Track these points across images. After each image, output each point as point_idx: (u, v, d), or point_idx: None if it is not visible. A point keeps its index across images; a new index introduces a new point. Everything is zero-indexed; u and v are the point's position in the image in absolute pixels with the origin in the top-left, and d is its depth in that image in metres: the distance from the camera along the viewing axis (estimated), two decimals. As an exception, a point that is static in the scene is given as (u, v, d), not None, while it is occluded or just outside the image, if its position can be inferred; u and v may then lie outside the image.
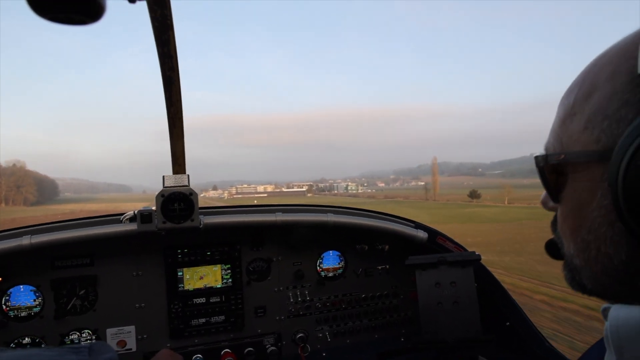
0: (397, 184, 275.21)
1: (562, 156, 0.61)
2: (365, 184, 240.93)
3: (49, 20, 0.55)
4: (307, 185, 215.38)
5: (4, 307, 1.77)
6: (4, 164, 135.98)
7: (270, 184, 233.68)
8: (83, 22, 0.57)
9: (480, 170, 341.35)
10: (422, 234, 2.16)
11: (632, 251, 0.53)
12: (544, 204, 0.71)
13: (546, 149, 0.67)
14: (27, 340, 1.80)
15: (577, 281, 0.65)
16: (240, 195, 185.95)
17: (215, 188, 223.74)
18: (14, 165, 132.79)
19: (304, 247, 2.18)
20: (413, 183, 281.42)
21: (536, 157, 0.67)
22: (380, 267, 2.32)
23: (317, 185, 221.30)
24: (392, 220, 2.21)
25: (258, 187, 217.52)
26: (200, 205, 1.86)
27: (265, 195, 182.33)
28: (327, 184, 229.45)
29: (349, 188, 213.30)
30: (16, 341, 1.78)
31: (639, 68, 0.50)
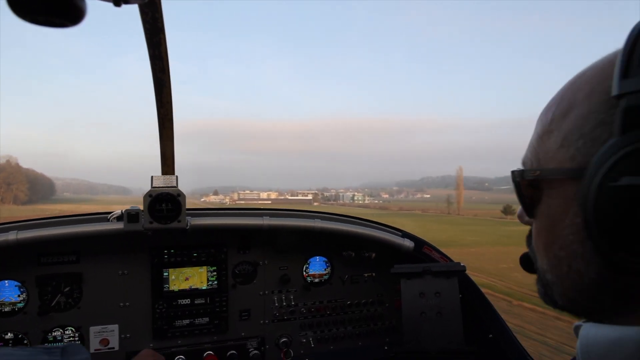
0: (402, 195, 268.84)
1: (538, 172, 0.62)
2: (370, 195, 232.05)
3: (29, 22, 0.55)
4: (312, 193, 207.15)
5: None
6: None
7: (272, 191, 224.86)
8: (63, 24, 0.57)
9: (486, 184, 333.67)
10: (408, 243, 2.19)
11: (602, 270, 0.54)
12: (520, 217, 0.72)
13: (523, 163, 0.68)
14: (9, 335, 1.80)
15: (549, 296, 0.66)
16: (243, 202, 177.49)
17: (216, 193, 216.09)
18: (8, 161, 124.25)
19: (290, 251, 2.19)
20: (418, 195, 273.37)
21: (513, 172, 0.67)
22: (366, 275, 2.33)
23: (322, 194, 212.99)
24: (379, 228, 2.23)
25: (261, 194, 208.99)
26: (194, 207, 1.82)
27: (270, 202, 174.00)
28: (333, 194, 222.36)
29: (356, 198, 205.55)
30: None
31: (613, 89, 0.51)
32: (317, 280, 2.25)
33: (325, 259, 2.27)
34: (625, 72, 0.50)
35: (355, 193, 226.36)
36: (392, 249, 2.19)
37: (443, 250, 2.23)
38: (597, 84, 0.57)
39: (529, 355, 1.99)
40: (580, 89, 0.59)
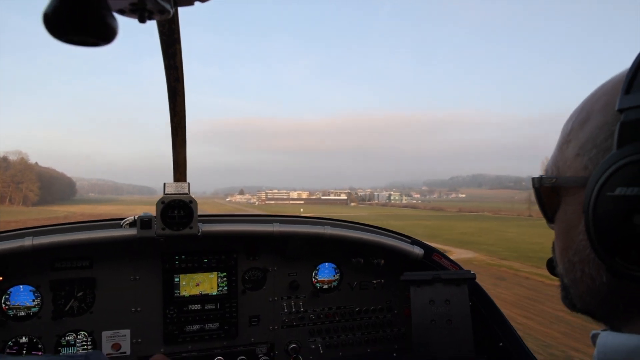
0: (434, 195, 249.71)
1: (554, 180, 0.65)
2: (407, 195, 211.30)
3: (65, 42, 0.58)
4: (345, 193, 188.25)
5: (4, 306, 1.85)
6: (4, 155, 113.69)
7: (297, 190, 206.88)
8: (97, 44, 0.59)
9: (524, 183, 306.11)
10: (418, 250, 2.20)
11: (610, 275, 0.55)
12: (548, 224, 0.74)
13: (545, 171, 0.71)
14: (24, 339, 1.87)
15: (569, 299, 0.68)
16: (273, 202, 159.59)
17: (242, 192, 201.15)
18: (22, 158, 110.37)
19: (299, 258, 2.23)
20: (453, 195, 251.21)
21: (533, 179, 0.71)
22: (375, 281, 2.36)
23: (356, 193, 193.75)
24: (388, 235, 2.27)
25: (291, 193, 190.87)
26: (212, 212, 1.94)
27: (302, 202, 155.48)
28: (367, 193, 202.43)
29: (392, 198, 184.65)
30: (14, 340, 1.86)
31: (617, 104, 0.53)
32: (326, 286, 2.28)
33: (334, 266, 2.30)
34: (628, 88, 0.53)
35: (392, 192, 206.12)
36: (401, 256, 2.21)
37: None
38: (612, 97, 0.58)
39: None
40: (598, 100, 0.62)
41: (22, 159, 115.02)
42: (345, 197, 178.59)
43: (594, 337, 0.62)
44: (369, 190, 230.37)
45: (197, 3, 0.83)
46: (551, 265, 0.74)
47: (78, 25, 0.56)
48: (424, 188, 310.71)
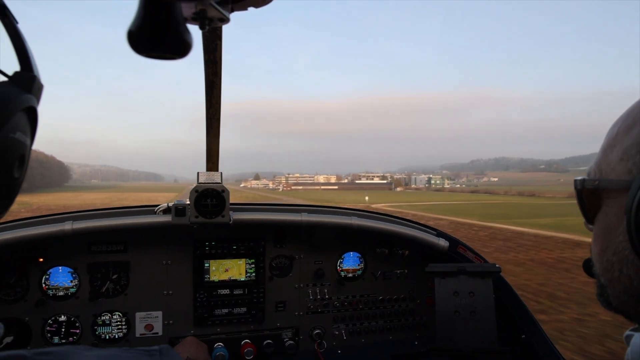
0: (463, 179, 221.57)
1: (597, 182, 0.67)
2: (449, 179, 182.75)
3: (145, 57, 0.61)
4: (378, 176, 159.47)
5: (44, 285, 2.00)
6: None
7: (312, 174, 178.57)
8: (173, 58, 0.62)
9: (555, 166, 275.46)
10: (443, 242, 2.28)
11: None
12: (587, 225, 0.77)
13: (587, 173, 0.73)
14: (63, 318, 2.02)
15: (604, 298, 0.70)
16: (300, 187, 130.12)
17: (257, 177, 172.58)
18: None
19: (325, 247, 2.33)
20: (485, 179, 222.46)
21: (575, 180, 0.73)
22: (398, 271, 2.43)
23: (392, 177, 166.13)
24: (414, 226, 2.35)
25: (316, 177, 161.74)
26: (234, 201, 2.05)
27: (336, 187, 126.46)
28: (404, 177, 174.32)
29: (433, 182, 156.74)
30: (53, 318, 2.02)
31: None
32: (350, 275, 2.38)
33: (359, 255, 2.39)
34: None
35: (432, 176, 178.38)
36: (425, 247, 2.29)
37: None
38: None
39: (562, 357, 2.04)
40: None
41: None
42: (384, 181, 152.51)
43: (628, 338, 0.66)
44: (405, 174, 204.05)
45: (250, 9, 0.84)
46: (588, 265, 0.76)
47: (160, 43, 0.58)
48: (444, 172, 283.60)
